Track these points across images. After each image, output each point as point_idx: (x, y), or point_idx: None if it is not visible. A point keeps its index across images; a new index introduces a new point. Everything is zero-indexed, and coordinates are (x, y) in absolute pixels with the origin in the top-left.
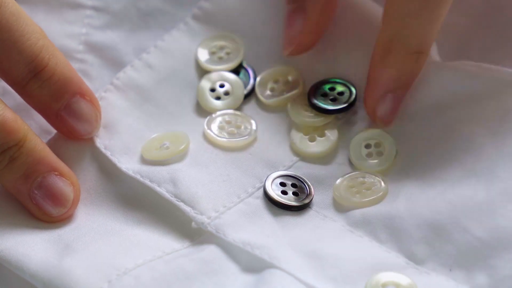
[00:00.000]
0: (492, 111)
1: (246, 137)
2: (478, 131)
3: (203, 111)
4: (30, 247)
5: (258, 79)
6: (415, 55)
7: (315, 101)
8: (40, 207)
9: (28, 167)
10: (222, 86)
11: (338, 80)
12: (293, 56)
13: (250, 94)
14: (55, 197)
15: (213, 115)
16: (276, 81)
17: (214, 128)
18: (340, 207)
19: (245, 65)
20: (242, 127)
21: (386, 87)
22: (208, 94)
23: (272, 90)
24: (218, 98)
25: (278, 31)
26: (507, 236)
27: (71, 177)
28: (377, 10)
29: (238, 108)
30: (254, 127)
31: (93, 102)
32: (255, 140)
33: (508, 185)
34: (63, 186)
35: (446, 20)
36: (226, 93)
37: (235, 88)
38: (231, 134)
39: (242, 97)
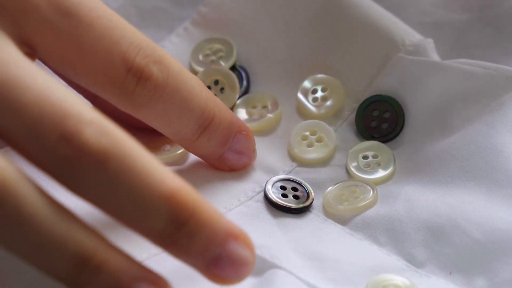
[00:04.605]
0: (486, 106)
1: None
2: (476, 131)
3: None
4: None
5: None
6: None
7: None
8: (218, 275)
9: (206, 241)
10: (216, 83)
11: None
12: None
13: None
14: (236, 265)
15: None
16: (253, 107)
17: None
18: (328, 214)
19: (238, 67)
20: None
21: None
22: None
23: (250, 114)
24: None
25: (276, 35)
26: (507, 239)
27: (246, 239)
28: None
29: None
30: None
31: (249, 135)
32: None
33: (507, 189)
34: (243, 252)
35: (445, 17)
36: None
37: (230, 87)
38: None
39: (235, 98)
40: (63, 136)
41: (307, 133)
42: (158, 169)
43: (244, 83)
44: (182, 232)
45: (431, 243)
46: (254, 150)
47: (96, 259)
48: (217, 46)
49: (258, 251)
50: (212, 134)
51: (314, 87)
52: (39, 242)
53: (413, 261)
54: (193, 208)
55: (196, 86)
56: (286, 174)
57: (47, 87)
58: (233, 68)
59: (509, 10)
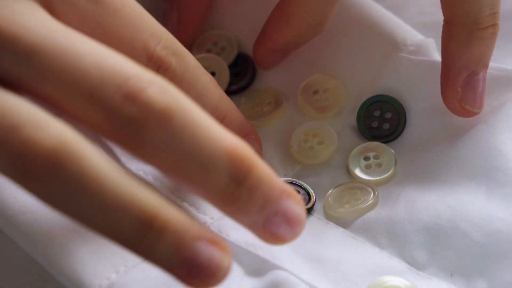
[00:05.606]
0: (487, 106)
1: None
2: (477, 130)
3: None
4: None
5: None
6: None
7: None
8: (274, 233)
9: (264, 197)
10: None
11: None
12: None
13: (250, 84)
14: (292, 222)
15: None
16: (258, 104)
17: None
18: (329, 217)
19: (242, 55)
20: None
21: (468, 69)
22: None
23: (257, 112)
24: None
25: None
26: (506, 241)
27: (298, 196)
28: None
29: None
30: None
31: (257, 139)
32: None
33: (507, 188)
34: (297, 209)
35: None
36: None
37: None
38: None
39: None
40: (127, 96)
41: (309, 135)
42: (216, 125)
43: (250, 72)
44: (242, 187)
45: (431, 245)
46: (261, 155)
47: (160, 219)
48: (218, 40)
49: (260, 253)
50: None
51: (315, 88)
52: (104, 204)
53: (414, 264)
54: (251, 163)
55: (210, 83)
56: (287, 177)
57: (102, 53)
58: (238, 57)
59: (509, 11)
